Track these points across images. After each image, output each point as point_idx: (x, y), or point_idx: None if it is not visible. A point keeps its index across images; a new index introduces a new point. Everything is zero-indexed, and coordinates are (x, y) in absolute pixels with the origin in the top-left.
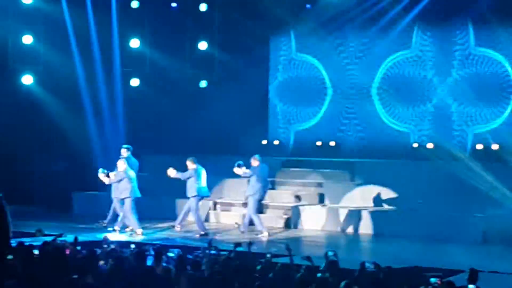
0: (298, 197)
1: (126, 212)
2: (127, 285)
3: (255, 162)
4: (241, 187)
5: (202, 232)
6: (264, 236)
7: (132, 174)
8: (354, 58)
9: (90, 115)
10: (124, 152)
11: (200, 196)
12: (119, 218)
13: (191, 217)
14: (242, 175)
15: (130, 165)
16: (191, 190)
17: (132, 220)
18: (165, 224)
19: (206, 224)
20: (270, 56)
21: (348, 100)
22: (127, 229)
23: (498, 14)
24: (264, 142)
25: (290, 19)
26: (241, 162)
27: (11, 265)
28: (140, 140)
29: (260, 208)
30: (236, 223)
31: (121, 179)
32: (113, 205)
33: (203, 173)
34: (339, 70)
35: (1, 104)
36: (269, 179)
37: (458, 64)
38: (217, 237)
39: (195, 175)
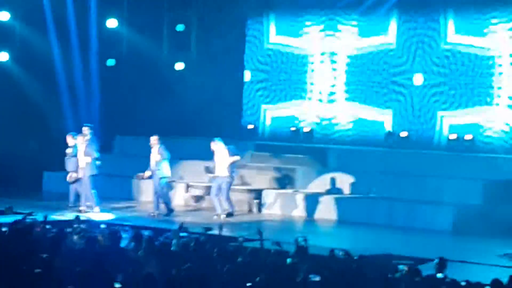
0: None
1: (88, 190)
2: (96, 264)
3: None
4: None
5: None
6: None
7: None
8: (334, 42)
9: (65, 95)
10: (86, 131)
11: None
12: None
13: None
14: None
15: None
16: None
17: (92, 197)
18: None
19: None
20: (247, 38)
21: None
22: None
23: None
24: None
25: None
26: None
27: None
28: (114, 120)
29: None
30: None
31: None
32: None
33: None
34: (319, 53)
35: None
36: (240, 163)
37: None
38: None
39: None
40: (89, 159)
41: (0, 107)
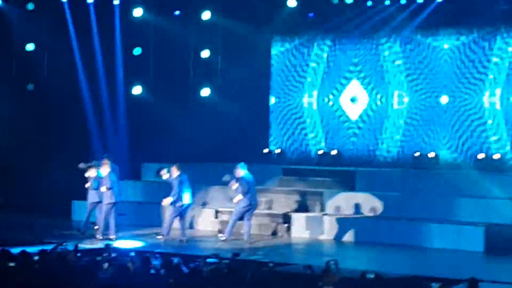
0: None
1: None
2: None
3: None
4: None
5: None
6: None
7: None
8: (357, 66)
9: (93, 123)
10: (105, 161)
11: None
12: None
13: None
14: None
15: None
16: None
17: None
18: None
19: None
20: (271, 64)
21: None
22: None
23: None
24: (266, 150)
25: (292, 27)
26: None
27: (11, 272)
28: (142, 148)
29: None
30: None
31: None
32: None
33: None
34: (342, 78)
35: (4, 110)
36: (268, 187)
37: None
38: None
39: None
40: (104, 189)
41: (28, 136)
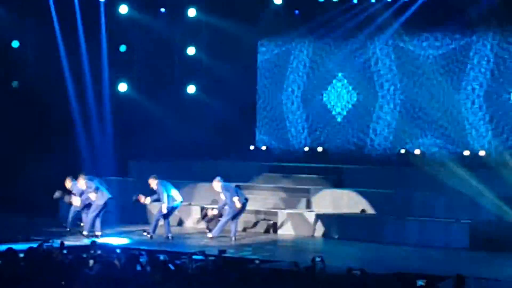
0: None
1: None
2: None
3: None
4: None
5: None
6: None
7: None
8: (343, 64)
9: (78, 120)
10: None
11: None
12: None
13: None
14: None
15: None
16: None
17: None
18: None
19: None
20: (258, 61)
21: (337, 105)
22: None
23: None
24: (251, 147)
25: (279, 25)
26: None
27: None
28: (127, 145)
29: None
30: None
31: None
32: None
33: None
34: (327, 76)
35: None
36: (254, 184)
37: None
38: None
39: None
40: (93, 195)
41: (14, 133)
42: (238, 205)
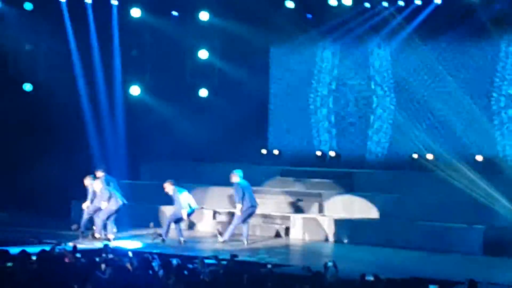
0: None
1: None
2: None
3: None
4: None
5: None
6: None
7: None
8: (355, 68)
9: (91, 123)
10: (100, 173)
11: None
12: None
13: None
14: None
15: (107, 181)
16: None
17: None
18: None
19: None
20: (270, 65)
21: (348, 109)
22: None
23: None
24: (264, 151)
25: (290, 28)
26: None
27: (10, 272)
28: (140, 148)
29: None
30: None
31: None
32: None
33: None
34: (340, 80)
35: (2, 110)
36: (266, 188)
37: None
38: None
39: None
40: (105, 204)
41: (27, 136)
42: (238, 213)
